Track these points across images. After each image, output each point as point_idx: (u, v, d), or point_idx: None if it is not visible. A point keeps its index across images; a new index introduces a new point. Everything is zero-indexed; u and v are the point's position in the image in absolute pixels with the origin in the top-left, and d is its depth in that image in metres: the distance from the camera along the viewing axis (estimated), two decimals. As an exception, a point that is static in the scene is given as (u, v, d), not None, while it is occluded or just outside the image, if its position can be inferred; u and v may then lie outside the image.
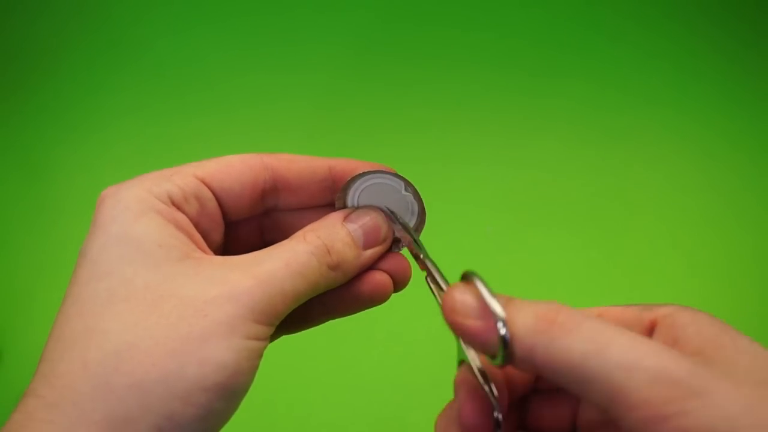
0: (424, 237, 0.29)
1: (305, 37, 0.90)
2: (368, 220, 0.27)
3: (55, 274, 0.73)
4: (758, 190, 0.78)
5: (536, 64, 0.87)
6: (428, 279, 0.27)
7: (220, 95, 0.86)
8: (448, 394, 0.25)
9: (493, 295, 0.21)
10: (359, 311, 0.28)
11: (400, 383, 0.65)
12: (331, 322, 0.29)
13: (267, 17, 0.91)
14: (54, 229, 0.77)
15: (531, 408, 0.26)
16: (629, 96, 0.85)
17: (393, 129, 0.83)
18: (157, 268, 0.23)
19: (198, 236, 0.26)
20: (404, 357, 0.67)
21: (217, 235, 0.27)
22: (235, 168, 0.27)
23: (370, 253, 0.27)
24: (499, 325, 0.20)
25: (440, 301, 0.24)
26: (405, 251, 0.29)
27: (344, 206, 0.28)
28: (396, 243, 0.29)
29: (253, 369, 0.23)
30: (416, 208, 0.29)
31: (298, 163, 0.28)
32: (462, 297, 0.22)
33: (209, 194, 0.26)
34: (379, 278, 0.28)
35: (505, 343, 0.20)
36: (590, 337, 0.19)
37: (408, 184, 0.28)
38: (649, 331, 0.22)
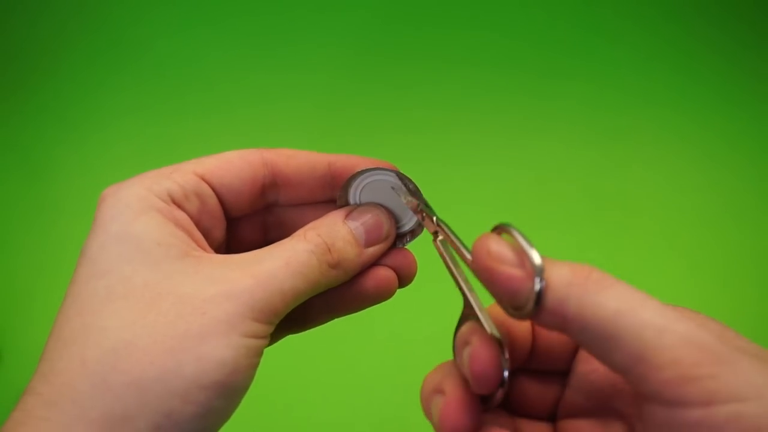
0: (427, 235, 0.29)
1: (305, 37, 0.90)
2: (370, 217, 0.27)
3: (55, 274, 0.73)
4: (757, 191, 0.78)
5: (536, 65, 0.87)
6: (438, 242, 0.27)
7: (220, 95, 0.86)
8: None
9: (532, 244, 0.21)
10: (364, 308, 0.28)
11: (400, 383, 0.65)
12: (331, 322, 0.29)
13: (267, 17, 0.91)
14: (54, 229, 0.77)
15: (517, 385, 0.26)
16: (629, 97, 0.85)
17: (393, 129, 0.83)
18: (156, 267, 0.23)
19: (198, 234, 0.26)
20: (404, 357, 0.67)
21: (219, 232, 0.27)
22: (234, 164, 0.27)
23: (373, 250, 0.27)
24: (537, 272, 0.20)
25: (460, 256, 0.24)
26: (410, 245, 0.29)
27: (346, 204, 0.28)
28: (400, 239, 0.29)
29: (252, 367, 0.23)
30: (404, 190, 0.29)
31: (297, 158, 0.28)
32: (497, 244, 0.21)
33: (209, 191, 0.26)
34: (383, 274, 0.27)
35: (540, 292, 0.20)
36: (623, 296, 0.19)
37: (408, 180, 0.28)
38: None
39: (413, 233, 0.29)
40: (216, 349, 0.22)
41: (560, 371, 0.26)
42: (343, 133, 0.83)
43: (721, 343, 0.19)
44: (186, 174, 0.26)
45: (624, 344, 0.19)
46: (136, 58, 0.90)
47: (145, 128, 0.85)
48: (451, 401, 0.22)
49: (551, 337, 0.25)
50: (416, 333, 0.68)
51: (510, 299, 0.21)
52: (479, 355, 0.22)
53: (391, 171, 0.28)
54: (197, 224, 0.26)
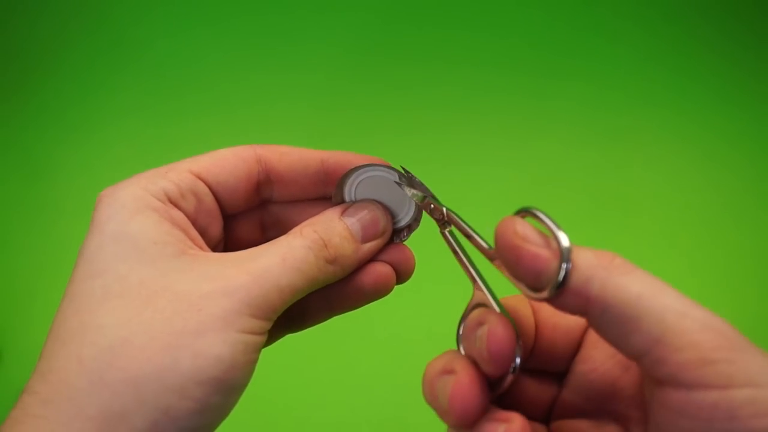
0: (426, 234, 0.29)
1: (305, 37, 0.90)
2: (366, 213, 0.27)
3: (55, 274, 0.73)
4: (757, 191, 0.78)
5: (536, 65, 0.87)
6: (446, 233, 0.27)
7: (220, 96, 0.86)
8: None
9: (559, 226, 0.21)
10: (363, 305, 0.28)
11: (399, 383, 0.65)
12: (331, 321, 0.29)
13: (267, 17, 0.91)
14: (54, 229, 0.77)
15: (515, 383, 0.25)
16: (629, 97, 0.85)
17: (393, 130, 0.83)
18: (152, 265, 0.23)
19: (195, 233, 0.26)
20: (404, 357, 0.67)
21: (216, 229, 0.27)
22: (228, 161, 0.27)
23: (369, 246, 0.27)
24: (565, 253, 0.20)
25: (473, 244, 0.24)
26: (407, 240, 0.29)
27: (342, 201, 0.28)
28: (397, 234, 0.29)
29: (249, 363, 0.23)
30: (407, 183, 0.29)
31: (290, 155, 0.28)
32: (523, 225, 0.22)
33: (205, 189, 0.26)
34: (381, 270, 0.27)
35: (567, 272, 0.20)
36: (646, 281, 0.20)
37: (402, 175, 0.28)
38: None
39: (410, 228, 0.29)
40: (213, 345, 0.22)
41: (558, 372, 0.26)
42: (343, 133, 0.83)
43: (736, 332, 0.19)
44: (181, 173, 0.26)
45: (644, 326, 0.19)
46: (136, 58, 0.90)
47: (145, 128, 0.85)
48: (463, 379, 0.22)
49: (553, 337, 0.25)
50: (416, 333, 0.68)
51: (534, 279, 0.21)
52: (497, 332, 0.22)
53: (386, 167, 0.28)
54: (194, 222, 0.26)
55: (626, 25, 0.90)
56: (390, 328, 0.69)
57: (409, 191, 0.28)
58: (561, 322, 0.25)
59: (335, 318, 0.29)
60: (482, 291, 0.25)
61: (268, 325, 0.24)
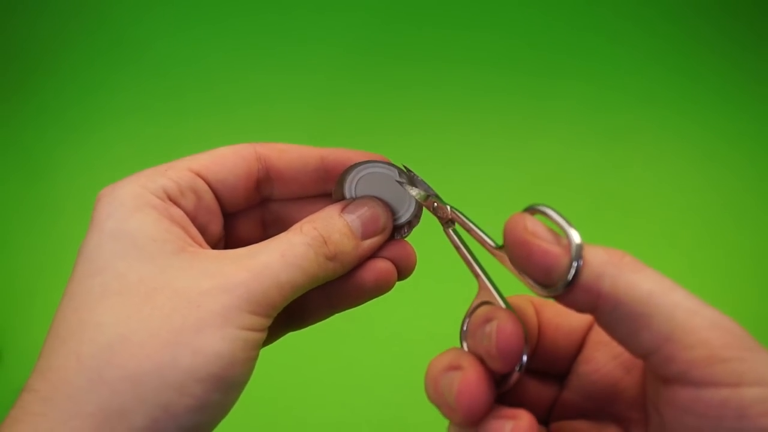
0: (426, 232, 0.29)
1: (305, 37, 0.90)
2: (366, 210, 0.27)
3: (55, 274, 0.73)
4: (757, 191, 0.78)
5: (536, 65, 0.87)
6: (450, 230, 0.27)
7: (220, 95, 0.86)
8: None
9: (571, 223, 0.21)
10: (364, 302, 0.28)
11: (400, 383, 0.65)
12: (331, 321, 0.29)
13: (267, 17, 0.91)
14: (54, 229, 0.77)
15: (516, 383, 0.25)
16: (628, 97, 0.85)
17: (392, 129, 0.83)
18: (151, 262, 0.23)
19: (194, 230, 0.26)
20: (404, 357, 0.67)
21: (216, 227, 0.27)
22: (228, 159, 0.27)
23: (370, 242, 0.27)
24: (576, 249, 0.20)
25: (480, 242, 0.24)
26: (408, 237, 0.29)
27: (342, 198, 0.28)
28: (398, 230, 0.29)
29: (249, 360, 0.23)
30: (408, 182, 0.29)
31: (289, 152, 0.28)
32: (533, 221, 0.22)
33: (205, 186, 0.26)
34: (382, 266, 0.27)
35: (578, 268, 0.20)
36: (656, 278, 0.20)
37: (402, 172, 0.28)
38: None
39: (410, 224, 0.29)
40: (212, 342, 0.22)
41: (559, 373, 0.26)
42: (343, 133, 0.83)
43: (745, 332, 0.19)
44: (181, 170, 0.26)
45: (655, 323, 0.19)
46: (136, 58, 0.90)
47: (145, 128, 0.85)
48: (470, 376, 0.22)
49: (555, 337, 0.25)
50: (416, 332, 0.68)
51: (544, 275, 0.21)
52: (506, 328, 0.22)
53: (386, 163, 0.28)
54: (193, 220, 0.26)
55: (626, 25, 0.90)
56: (390, 328, 0.69)
57: (412, 190, 0.28)
58: (563, 323, 0.25)
59: (335, 317, 0.29)
60: (488, 289, 0.25)
61: (267, 322, 0.24)
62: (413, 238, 0.29)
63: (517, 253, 0.22)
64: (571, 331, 0.25)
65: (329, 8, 0.91)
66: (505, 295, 0.25)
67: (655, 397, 0.21)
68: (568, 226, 0.21)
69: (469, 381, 0.22)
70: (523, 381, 0.25)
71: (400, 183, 0.28)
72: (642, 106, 0.84)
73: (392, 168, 0.28)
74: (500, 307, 0.24)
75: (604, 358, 0.24)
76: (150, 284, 0.22)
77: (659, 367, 0.20)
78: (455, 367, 0.22)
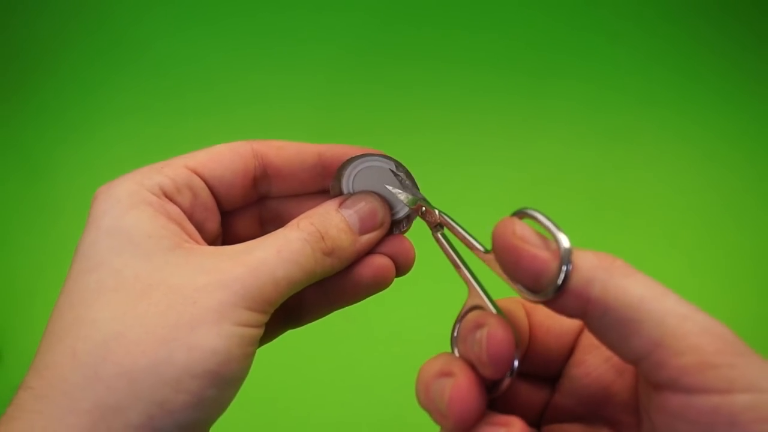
0: (425, 231, 0.29)
1: (305, 37, 0.90)
2: (364, 205, 0.27)
3: (55, 274, 0.73)
4: (757, 191, 0.78)
5: (536, 65, 0.87)
6: (438, 235, 0.27)
7: (220, 95, 0.86)
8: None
9: (559, 227, 0.21)
10: (362, 298, 0.28)
11: (400, 383, 0.65)
12: (330, 321, 0.29)
13: (267, 17, 0.91)
14: (54, 229, 0.77)
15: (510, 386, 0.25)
16: (628, 97, 0.85)
17: (392, 129, 0.83)
18: (147, 258, 0.23)
19: (191, 227, 0.26)
20: (404, 357, 0.67)
21: (213, 225, 0.27)
22: (225, 156, 0.27)
23: (368, 238, 0.27)
24: (565, 254, 0.20)
25: (468, 247, 0.24)
26: (407, 232, 0.29)
27: (339, 193, 0.28)
28: (396, 225, 0.28)
29: (246, 357, 0.23)
30: (398, 185, 0.28)
31: (287, 149, 0.28)
32: (522, 226, 0.21)
33: (201, 183, 0.26)
34: (380, 262, 0.27)
35: (567, 273, 0.20)
36: (647, 284, 0.20)
37: (399, 164, 0.28)
38: None
39: (409, 219, 0.29)
40: (207, 338, 0.22)
41: (551, 376, 0.25)
42: (343, 133, 0.83)
43: (736, 337, 0.19)
44: (177, 168, 0.26)
45: (645, 329, 0.19)
46: (136, 58, 0.90)
47: (145, 128, 0.85)
48: (462, 382, 0.22)
49: (547, 340, 0.25)
50: (415, 333, 0.68)
51: (533, 280, 0.21)
52: (496, 334, 0.21)
53: (383, 156, 0.28)
54: (190, 217, 0.26)
55: (626, 25, 0.90)
56: (389, 328, 0.69)
57: (400, 194, 0.28)
58: (554, 326, 0.25)
59: (334, 317, 0.29)
60: (478, 293, 0.24)
61: (264, 318, 0.23)
62: (412, 236, 0.29)
63: (505, 259, 0.21)
64: (563, 334, 0.25)
65: (329, 8, 0.91)
66: (495, 298, 0.25)
67: (647, 403, 0.21)
68: (557, 230, 0.21)
69: (461, 387, 0.21)
70: (514, 384, 0.25)
71: (389, 186, 0.28)
72: (642, 106, 0.84)
73: (389, 161, 0.28)
74: (491, 313, 0.23)
75: (596, 361, 0.24)
76: (146, 281, 0.22)
77: (650, 373, 0.19)
78: (446, 374, 0.22)
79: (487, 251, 0.24)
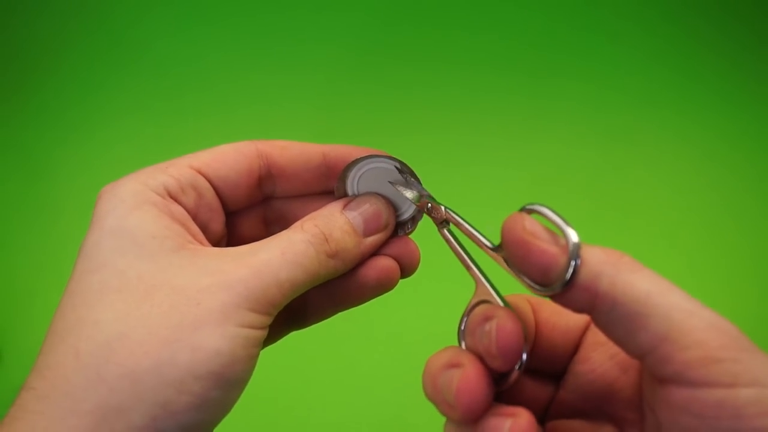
0: (426, 231, 0.29)
1: (305, 37, 0.90)
2: (368, 206, 0.27)
3: (56, 274, 0.73)
4: (757, 191, 0.78)
5: (536, 65, 0.87)
6: (445, 232, 0.27)
7: (220, 95, 0.86)
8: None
9: (568, 222, 0.21)
10: (367, 300, 0.28)
11: (400, 383, 0.65)
12: (331, 322, 0.29)
13: (267, 17, 0.91)
14: (54, 229, 0.77)
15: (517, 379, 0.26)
16: (629, 97, 0.85)
17: (392, 130, 0.83)
18: (151, 259, 0.23)
19: (195, 228, 0.25)
20: (404, 357, 0.67)
21: (218, 225, 0.27)
22: (229, 156, 0.27)
23: (372, 240, 0.27)
24: (574, 249, 0.20)
25: (475, 243, 0.24)
26: (412, 234, 0.29)
27: (344, 194, 0.28)
28: (401, 227, 0.28)
29: (249, 358, 0.23)
30: (402, 183, 0.28)
31: (291, 149, 0.28)
32: (531, 221, 0.22)
33: (206, 183, 0.26)
34: (384, 264, 0.27)
35: (576, 267, 0.20)
36: (654, 279, 0.20)
37: (404, 165, 0.28)
38: None
39: (414, 220, 0.29)
40: (211, 339, 0.21)
41: (555, 372, 0.26)
42: (343, 133, 0.83)
43: (741, 333, 0.19)
44: (181, 168, 0.26)
45: (652, 323, 0.19)
46: (136, 58, 0.90)
47: (145, 128, 0.85)
48: (470, 372, 0.22)
49: (552, 336, 0.25)
50: (415, 333, 0.68)
51: (542, 274, 0.21)
52: (506, 325, 0.22)
53: (387, 158, 0.28)
54: (194, 217, 0.26)
55: (626, 25, 0.90)
56: (390, 328, 0.69)
57: (405, 191, 0.28)
58: (560, 322, 0.25)
59: (335, 318, 0.29)
60: (486, 288, 0.25)
61: (268, 320, 0.23)
62: (413, 236, 0.29)
63: (515, 253, 0.22)
64: (568, 331, 0.25)
65: (329, 8, 0.91)
66: (502, 294, 0.25)
67: (651, 398, 0.21)
68: (566, 226, 0.21)
69: (469, 378, 0.22)
70: (519, 380, 0.25)
71: (393, 182, 0.28)
72: (642, 106, 0.84)
73: (394, 162, 0.28)
74: (499, 306, 0.24)
75: (601, 358, 0.24)
76: (149, 281, 0.22)
77: (655, 368, 0.20)
78: (455, 365, 0.22)
79: (494, 246, 0.24)
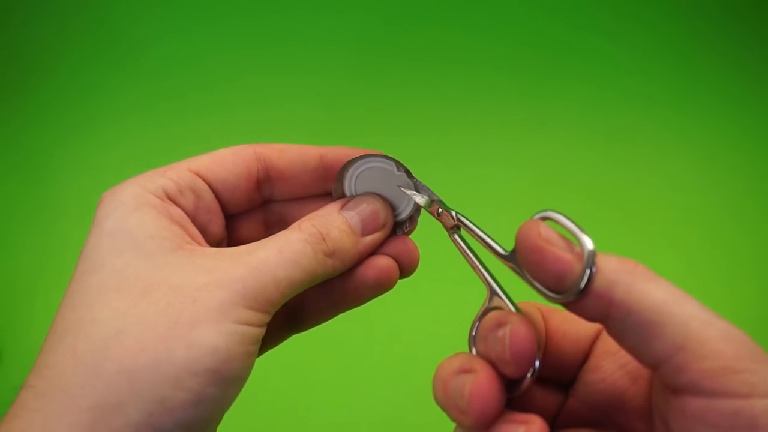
0: (425, 232, 0.29)
1: (305, 37, 0.90)
2: (365, 206, 0.27)
3: (56, 274, 0.73)
4: (757, 191, 0.78)
5: (536, 65, 0.87)
6: (456, 236, 0.27)
7: (220, 95, 0.86)
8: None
9: (583, 229, 0.21)
10: (366, 300, 0.28)
11: (400, 384, 0.65)
12: (331, 322, 0.29)
13: (267, 17, 0.91)
14: (54, 229, 0.77)
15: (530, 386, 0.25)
16: (629, 97, 0.85)
17: (393, 129, 0.83)
18: (149, 259, 0.23)
19: (194, 229, 0.26)
20: (404, 358, 0.67)
21: (217, 227, 0.27)
22: (227, 159, 0.27)
23: (370, 239, 0.27)
24: (590, 256, 0.20)
25: (487, 249, 0.24)
26: (411, 233, 0.29)
27: (342, 194, 0.28)
28: (399, 226, 0.29)
29: (247, 355, 0.23)
30: (412, 187, 0.29)
31: (288, 152, 0.28)
32: (546, 228, 0.22)
33: (204, 186, 0.26)
34: (383, 263, 0.27)
35: (591, 275, 0.20)
36: (669, 288, 0.20)
37: (399, 165, 0.28)
38: None
39: (412, 220, 0.29)
40: (207, 336, 0.22)
41: (565, 381, 0.26)
42: (343, 133, 0.83)
43: (756, 344, 0.19)
44: (180, 171, 0.26)
45: (668, 332, 0.19)
46: (136, 58, 0.90)
47: (145, 128, 0.85)
48: (483, 378, 0.22)
49: (562, 345, 0.25)
50: (415, 334, 0.68)
51: (556, 281, 0.21)
52: (519, 332, 0.22)
53: (383, 157, 0.28)
54: (193, 219, 0.26)
55: (627, 24, 0.90)
56: (390, 329, 0.69)
57: (416, 195, 0.28)
58: (570, 331, 0.25)
59: (335, 318, 0.29)
60: (498, 294, 0.25)
61: (265, 318, 0.23)
62: (412, 237, 0.29)
63: (529, 260, 0.22)
64: (578, 339, 0.25)
65: (329, 8, 0.91)
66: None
67: (664, 408, 0.21)
68: (581, 233, 0.21)
69: (482, 384, 0.21)
70: (531, 388, 0.25)
71: (402, 186, 0.28)
72: (642, 106, 0.84)
73: (390, 162, 0.28)
74: (512, 312, 0.24)
75: (611, 368, 0.24)
76: (147, 280, 0.23)
77: (670, 377, 0.20)
78: (467, 370, 0.22)
79: (506, 253, 0.24)
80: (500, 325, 0.22)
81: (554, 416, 0.25)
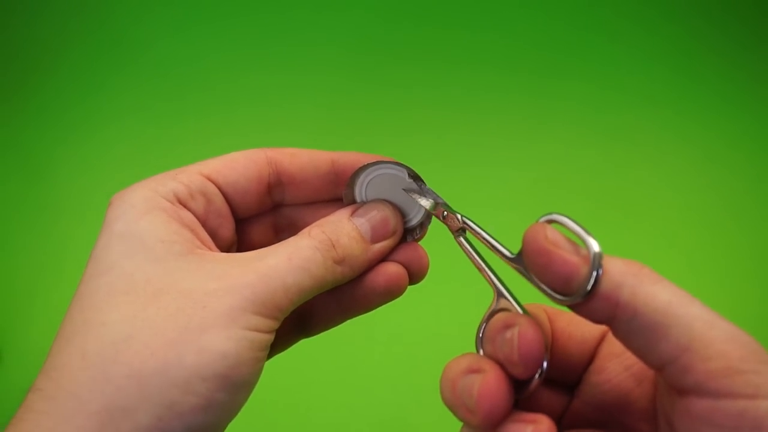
0: (428, 233, 0.29)
1: (306, 37, 0.90)
2: (375, 213, 0.27)
3: (56, 274, 0.73)
4: (757, 191, 0.78)
5: (537, 65, 0.87)
6: (462, 239, 0.27)
7: (221, 95, 0.86)
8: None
9: (589, 232, 0.21)
10: (376, 306, 0.28)
11: (400, 384, 0.65)
12: (333, 323, 0.29)
13: (267, 17, 0.91)
14: (54, 229, 0.77)
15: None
16: (629, 97, 0.85)
17: (393, 129, 0.83)
18: (158, 263, 0.23)
19: (204, 234, 0.26)
20: (405, 358, 0.67)
21: (227, 231, 0.27)
22: (239, 163, 0.27)
23: (380, 246, 0.27)
24: (596, 258, 0.21)
25: (493, 251, 0.24)
26: (421, 240, 0.29)
27: (352, 200, 0.28)
28: (410, 233, 0.28)
29: (256, 361, 0.23)
30: (421, 194, 0.28)
31: (300, 157, 0.28)
32: (553, 231, 0.22)
33: (215, 190, 0.26)
34: (392, 270, 0.27)
35: (598, 277, 0.20)
36: (675, 290, 0.20)
37: (411, 172, 0.28)
38: None
39: (422, 227, 0.29)
40: (217, 341, 0.22)
41: (570, 382, 0.26)
42: (343, 133, 0.83)
43: (760, 346, 0.19)
44: (191, 174, 0.26)
45: (674, 333, 0.19)
46: (137, 58, 0.90)
47: (146, 128, 0.85)
48: (491, 377, 0.22)
49: (568, 346, 0.25)
50: (416, 334, 0.68)
51: (563, 284, 0.21)
52: (527, 333, 0.22)
53: (395, 164, 0.28)
54: (204, 224, 0.26)
55: (627, 24, 0.90)
56: (391, 329, 0.69)
57: (420, 199, 0.28)
58: (576, 332, 0.25)
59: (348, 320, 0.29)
60: (504, 296, 0.25)
61: (275, 324, 0.23)
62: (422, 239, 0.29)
63: (536, 262, 0.22)
64: (584, 341, 0.25)
65: (329, 8, 0.91)
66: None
67: (669, 409, 0.21)
68: (587, 236, 0.21)
69: (491, 383, 0.22)
70: (538, 389, 0.25)
71: (407, 190, 0.28)
72: (642, 106, 0.84)
73: (402, 169, 0.28)
74: (520, 314, 0.24)
75: (616, 369, 0.24)
76: (156, 284, 0.23)
77: (675, 378, 0.20)
78: (475, 370, 0.22)
79: (513, 255, 0.24)
80: (508, 326, 0.22)
81: (559, 417, 0.26)
